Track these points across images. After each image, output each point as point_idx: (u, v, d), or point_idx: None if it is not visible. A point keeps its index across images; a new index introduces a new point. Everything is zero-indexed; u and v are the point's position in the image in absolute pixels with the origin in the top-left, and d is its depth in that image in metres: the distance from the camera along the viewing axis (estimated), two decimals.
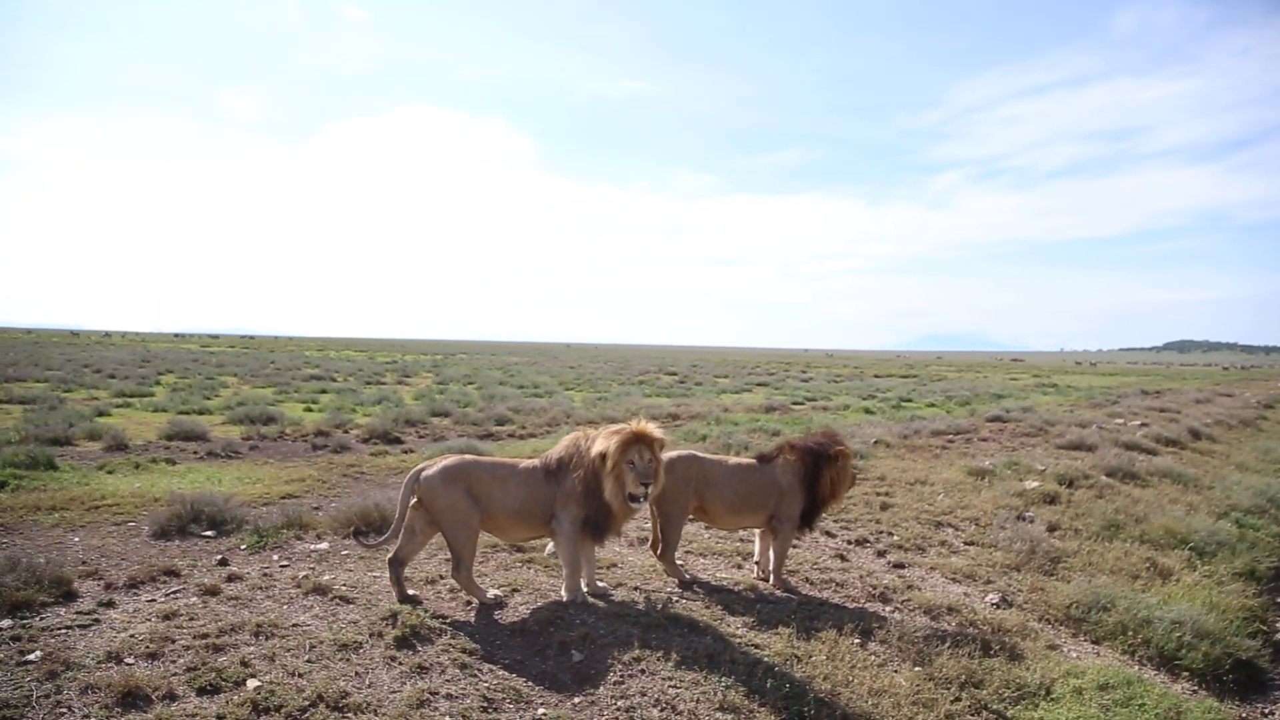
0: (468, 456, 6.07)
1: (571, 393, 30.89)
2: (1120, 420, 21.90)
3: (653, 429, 6.04)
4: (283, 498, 10.01)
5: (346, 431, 16.74)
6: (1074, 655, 6.55)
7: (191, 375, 32.43)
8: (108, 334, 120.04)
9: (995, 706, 5.39)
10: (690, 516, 7.18)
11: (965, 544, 9.03)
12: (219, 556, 7.13)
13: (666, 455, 6.80)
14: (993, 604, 7.33)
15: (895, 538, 8.93)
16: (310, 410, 21.28)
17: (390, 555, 6.06)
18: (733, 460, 7.15)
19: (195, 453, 13.20)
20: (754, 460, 7.19)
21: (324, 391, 27.43)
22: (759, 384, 39.52)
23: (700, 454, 7.08)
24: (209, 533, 7.98)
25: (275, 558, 7.26)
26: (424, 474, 5.89)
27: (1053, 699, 5.50)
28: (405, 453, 14.30)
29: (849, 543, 8.71)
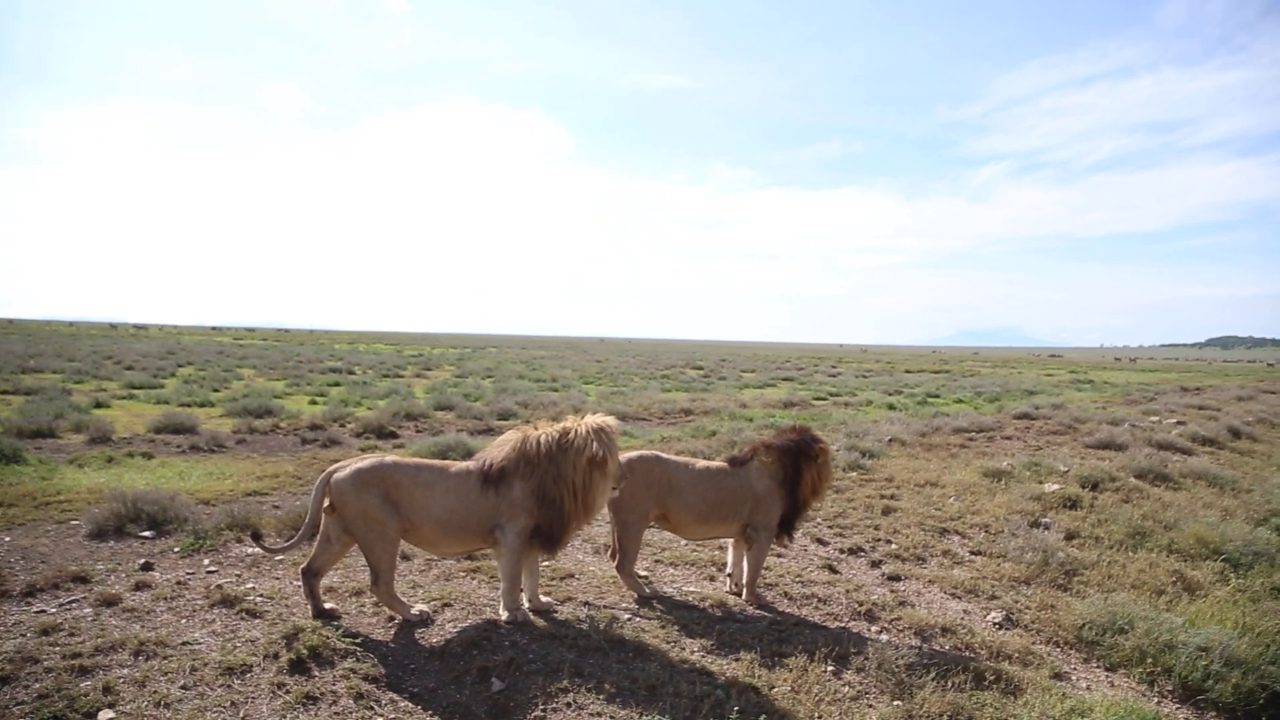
0: (387, 457, 5.39)
1: (589, 387, 30.26)
2: (1155, 418, 20.76)
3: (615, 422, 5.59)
4: (246, 495, 9.44)
5: (343, 426, 16.23)
6: (1084, 685, 5.72)
7: (210, 368, 32.24)
8: (141, 327, 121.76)
9: None
10: (653, 524, 6.46)
11: (971, 554, 8.20)
12: (143, 560, 6.53)
13: (625, 456, 6.15)
14: (994, 624, 6.52)
15: (894, 546, 8.13)
16: (315, 404, 20.83)
17: (304, 565, 5.40)
18: (701, 464, 6.40)
19: (178, 447, 12.72)
20: (725, 463, 6.44)
21: (336, 384, 27.05)
22: (784, 379, 38.63)
23: (664, 455, 6.35)
24: (147, 533, 7.40)
25: (206, 562, 6.65)
26: (335, 476, 5.23)
27: None
28: (397, 446, 13.75)
29: (841, 551, 7.93)
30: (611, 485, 5.58)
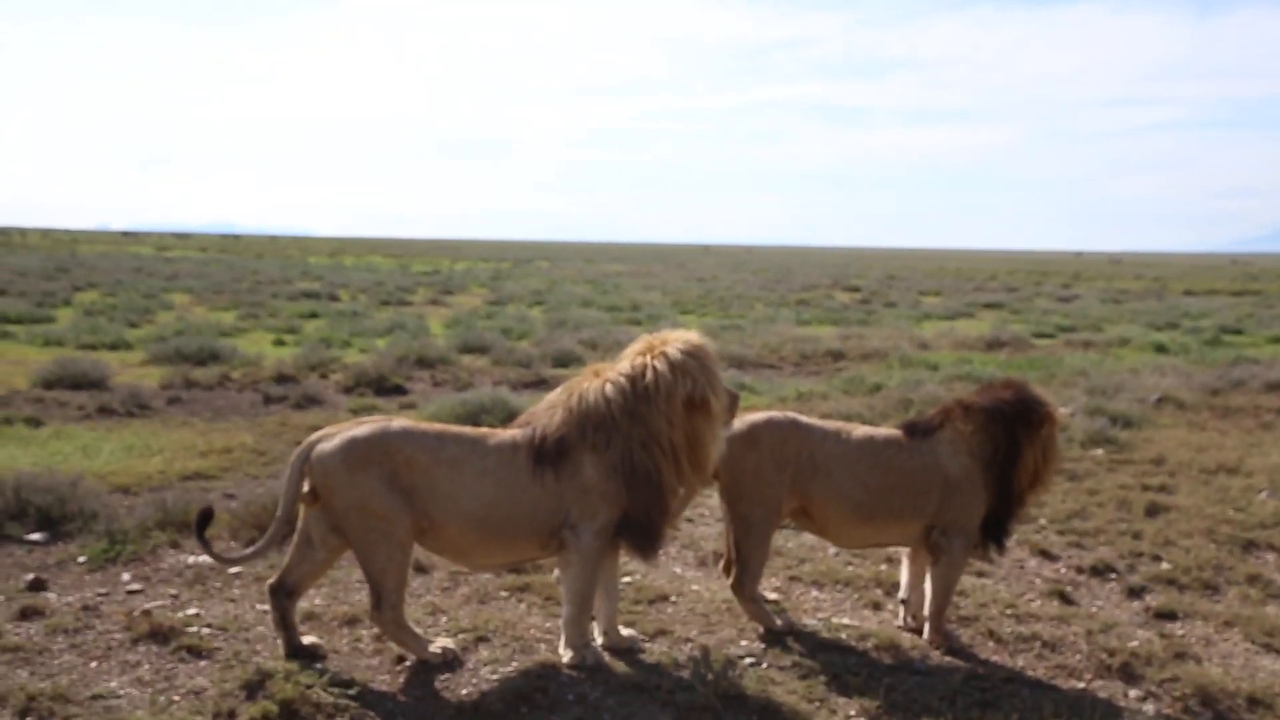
0: (394, 422, 5.51)
1: (688, 317, 30.46)
2: None
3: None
4: (184, 478, 9.83)
5: (325, 376, 16.78)
6: None
7: (124, 291, 33.56)
8: (8, 234, 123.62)
9: None
10: (789, 522, 6.51)
11: None
12: (31, 575, 6.83)
13: (748, 418, 6.26)
14: None
15: (1165, 565, 8.03)
16: (282, 344, 21.52)
17: (273, 580, 5.60)
18: (862, 430, 6.43)
19: (80, 408, 13.25)
20: (900, 432, 6.43)
21: (313, 315, 27.89)
22: (987, 305, 38.25)
23: (804, 419, 6.40)
24: (36, 536, 7.75)
25: (126, 577, 6.98)
26: (318, 450, 5.37)
27: None
28: (405, 407, 14.11)
29: (1080, 571, 7.89)
30: (722, 431, 5.67)
